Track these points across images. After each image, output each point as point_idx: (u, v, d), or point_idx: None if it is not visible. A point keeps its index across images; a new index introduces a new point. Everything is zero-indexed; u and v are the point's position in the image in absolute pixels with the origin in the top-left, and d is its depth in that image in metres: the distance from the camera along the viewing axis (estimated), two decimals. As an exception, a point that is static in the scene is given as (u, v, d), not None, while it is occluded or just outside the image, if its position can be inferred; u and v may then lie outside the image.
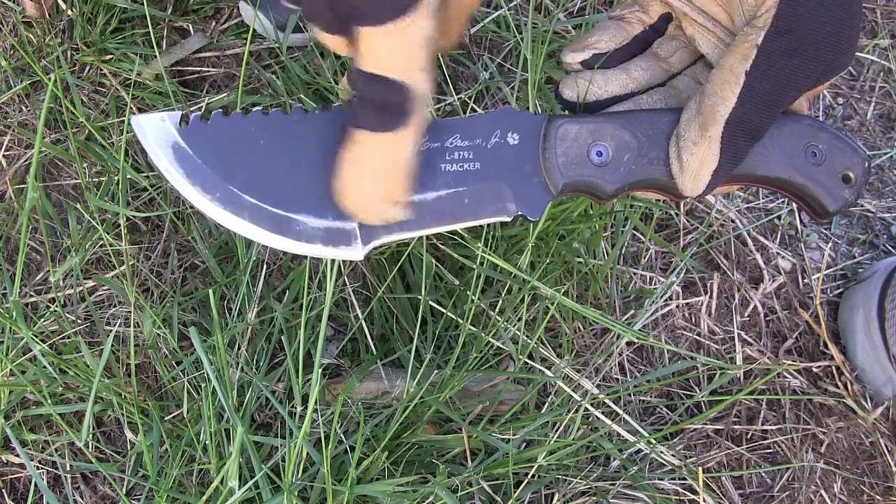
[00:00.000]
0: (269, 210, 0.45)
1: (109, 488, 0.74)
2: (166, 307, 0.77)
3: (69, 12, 0.89)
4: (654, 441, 0.78)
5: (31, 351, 0.67)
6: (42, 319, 0.75)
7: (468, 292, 0.71)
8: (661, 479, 0.77)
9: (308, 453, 0.61)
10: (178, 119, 0.45)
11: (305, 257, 0.80)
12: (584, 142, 0.47)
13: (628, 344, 0.84)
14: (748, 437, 0.83)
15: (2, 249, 0.80)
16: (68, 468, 0.73)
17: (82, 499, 0.73)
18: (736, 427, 0.83)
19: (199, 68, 0.92)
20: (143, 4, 0.87)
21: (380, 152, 0.42)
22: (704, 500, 0.77)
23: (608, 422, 0.72)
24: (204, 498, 0.57)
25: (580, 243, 0.79)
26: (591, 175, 0.47)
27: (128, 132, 0.81)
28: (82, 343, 0.66)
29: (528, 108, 0.69)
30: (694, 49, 0.50)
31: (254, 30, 0.91)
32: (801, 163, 0.46)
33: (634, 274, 0.88)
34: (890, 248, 0.95)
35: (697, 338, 0.86)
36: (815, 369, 0.86)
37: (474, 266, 0.68)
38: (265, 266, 0.76)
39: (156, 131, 0.45)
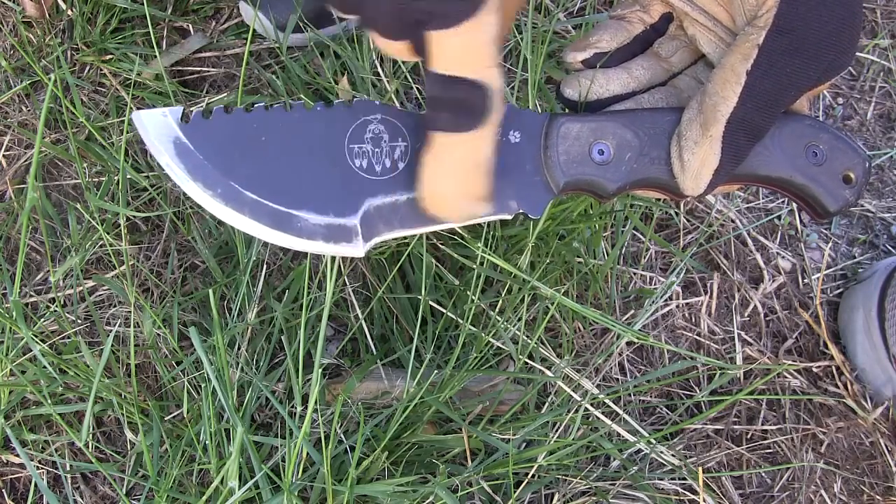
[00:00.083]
0: (270, 206, 0.45)
1: (109, 488, 0.74)
2: (166, 307, 0.77)
3: (69, 12, 0.89)
4: (654, 441, 0.78)
5: (31, 351, 0.67)
6: (42, 319, 0.75)
7: (468, 292, 0.71)
8: (661, 479, 0.77)
9: (308, 453, 0.61)
10: (180, 114, 0.45)
11: (305, 257, 0.80)
12: (585, 140, 0.47)
13: (628, 344, 0.84)
14: (748, 437, 0.83)
15: (2, 249, 0.80)
16: (68, 468, 0.73)
17: (82, 499, 0.73)
18: (736, 427, 0.83)
19: (199, 68, 0.92)
20: (143, 4, 0.87)
21: (461, 152, 0.42)
22: (704, 500, 0.77)
23: (608, 422, 0.72)
24: (204, 498, 0.57)
25: (580, 243, 0.79)
26: (592, 174, 0.47)
27: (128, 132, 0.81)
28: (82, 343, 0.66)
29: (528, 108, 0.69)
30: (695, 49, 0.50)
31: (254, 30, 0.91)
32: (802, 163, 0.46)
33: (634, 274, 0.88)
34: (890, 248, 0.95)
35: (697, 338, 0.86)
36: (815, 369, 0.86)
37: (474, 266, 0.68)
38: (265, 266, 0.76)
39: (157, 127, 0.45)
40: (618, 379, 0.83)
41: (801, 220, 0.94)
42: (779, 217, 0.94)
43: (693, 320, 0.87)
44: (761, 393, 0.84)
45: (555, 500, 0.73)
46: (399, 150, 0.47)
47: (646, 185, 0.48)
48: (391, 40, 0.41)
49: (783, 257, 0.91)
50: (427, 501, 0.62)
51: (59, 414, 0.70)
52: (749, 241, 0.91)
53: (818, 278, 0.90)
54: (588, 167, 0.47)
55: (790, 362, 0.86)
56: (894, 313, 0.83)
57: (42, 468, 0.73)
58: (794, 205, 0.94)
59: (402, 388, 0.72)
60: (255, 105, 0.46)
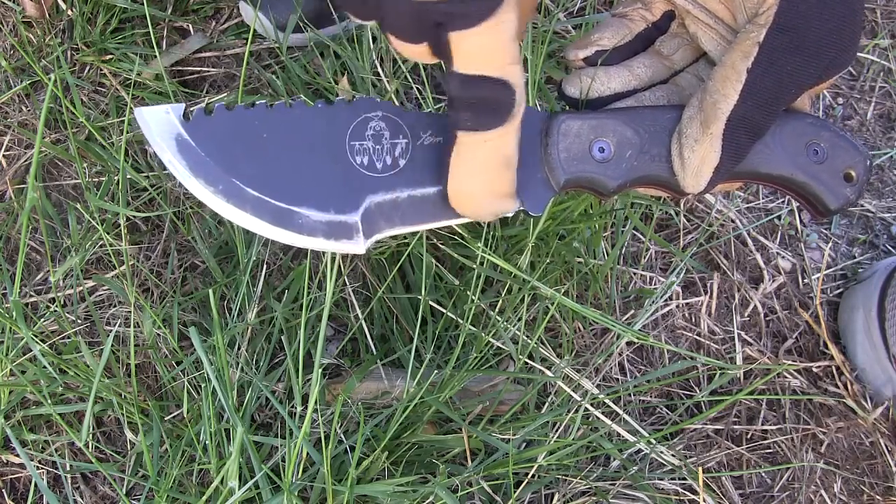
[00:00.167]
0: (272, 203, 0.45)
1: (109, 488, 0.73)
2: (166, 307, 0.77)
3: (69, 12, 0.89)
4: (654, 441, 0.77)
5: (31, 351, 0.67)
6: (42, 319, 0.75)
7: (468, 292, 0.71)
8: (661, 479, 0.77)
9: (308, 453, 0.61)
10: (182, 111, 0.45)
11: (305, 257, 0.80)
12: (586, 138, 0.47)
13: (628, 344, 0.84)
14: (748, 437, 0.83)
15: (2, 249, 0.80)
16: (68, 468, 0.73)
17: (82, 499, 0.73)
18: (736, 427, 0.82)
19: (199, 68, 0.92)
20: (143, 4, 0.87)
21: (488, 150, 0.43)
22: (704, 500, 0.77)
23: (608, 422, 0.72)
24: (204, 498, 0.57)
25: (580, 243, 0.79)
26: (592, 171, 0.47)
27: (128, 132, 0.81)
28: (82, 343, 0.66)
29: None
30: (696, 46, 0.50)
31: (254, 30, 0.91)
32: (803, 161, 0.46)
33: (634, 274, 0.88)
34: (890, 248, 0.95)
35: (697, 338, 0.86)
36: (815, 369, 0.86)
37: (474, 266, 0.68)
38: (265, 266, 0.76)
39: (159, 123, 0.45)
40: (618, 379, 0.83)
41: (801, 220, 0.94)
42: (779, 217, 0.94)
43: (693, 320, 0.87)
44: (761, 393, 0.84)
45: (555, 500, 0.73)
46: (400, 148, 0.47)
47: (646, 183, 0.48)
48: (410, 43, 0.41)
49: (783, 257, 0.91)
50: (427, 501, 0.62)
51: (59, 414, 0.70)
52: (749, 241, 0.91)
53: (818, 278, 0.90)
54: (589, 165, 0.47)
55: (790, 362, 0.86)
56: (894, 313, 0.83)
57: (42, 468, 0.73)
58: (795, 205, 0.94)
59: (402, 388, 0.72)
60: (257, 102, 0.46)
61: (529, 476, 0.70)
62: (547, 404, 0.75)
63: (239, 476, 0.55)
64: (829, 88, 1.03)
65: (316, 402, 0.52)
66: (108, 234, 0.73)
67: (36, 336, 0.69)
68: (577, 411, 0.71)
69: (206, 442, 0.61)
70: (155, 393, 0.76)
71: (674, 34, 0.50)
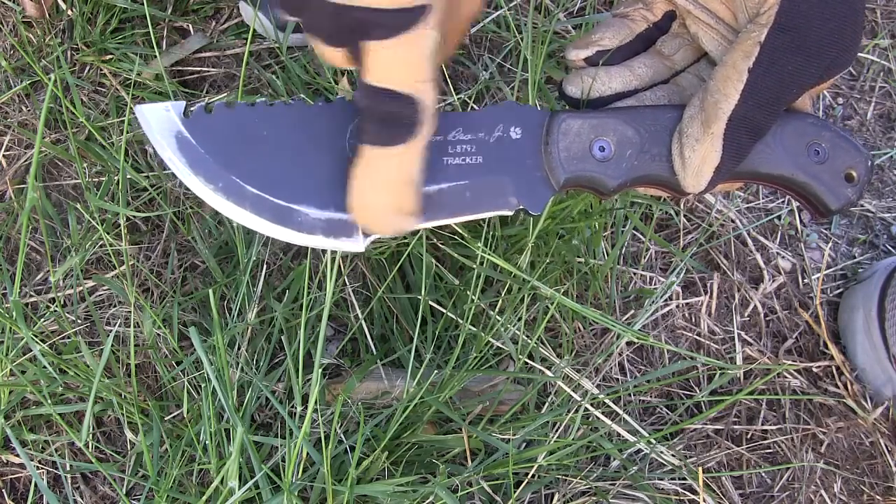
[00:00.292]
0: (271, 200, 0.45)
1: (109, 488, 0.73)
2: (166, 307, 0.77)
3: (69, 12, 0.89)
4: (654, 441, 0.77)
5: (31, 351, 0.67)
6: (42, 319, 0.75)
7: (468, 292, 0.71)
8: (661, 479, 0.77)
9: (308, 453, 0.61)
10: (182, 109, 0.45)
11: (305, 256, 0.80)
12: (586, 137, 0.47)
13: (628, 344, 0.84)
14: (748, 437, 0.83)
15: (2, 249, 0.80)
16: (68, 468, 0.72)
17: (82, 499, 0.73)
18: (736, 427, 0.82)
19: (199, 68, 0.92)
20: (143, 4, 0.87)
21: (391, 166, 0.42)
22: (704, 500, 0.77)
23: (608, 422, 0.72)
24: (204, 498, 0.57)
25: (580, 243, 0.79)
26: (593, 170, 0.47)
27: (128, 132, 0.81)
28: (82, 343, 0.65)
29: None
30: (697, 47, 0.50)
31: (254, 30, 0.91)
32: (804, 161, 0.46)
33: (634, 274, 0.88)
34: (890, 248, 0.95)
35: (697, 338, 0.86)
36: (815, 369, 0.86)
37: (474, 266, 0.68)
38: (265, 266, 0.76)
39: (159, 121, 0.45)
40: (618, 379, 0.83)
41: (801, 220, 0.94)
42: (779, 217, 0.94)
43: (693, 320, 0.87)
44: (761, 393, 0.84)
45: (555, 500, 0.73)
46: None
47: (646, 183, 0.48)
48: (329, 46, 0.41)
49: (783, 257, 0.91)
50: (427, 501, 0.62)
51: (59, 414, 0.70)
52: (749, 241, 0.91)
53: (818, 278, 0.90)
54: (589, 164, 0.47)
55: (790, 362, 0.86)
56: (894, 313, 0.83)
57: (42, 468, 0.73)
58: (795, 205, 0.94)
59: (402, 388, 0.72)
60: (257, 100, 0.46)
61: (529, 476, 0.70)
62: (547, 404, 0.75)
63: (239, 476, 0.55)
64: (829, 88, 1.03)
65: (316, 402, 0.52)
66: (108, 234, 0.73)
67: (36, 336, 0.69)
68: (577, 411, 0.71)
69: (206, 442, 0.61)
70: (155, 393, 0.76)
71: (675, 34, 0.50)
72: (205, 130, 0.45)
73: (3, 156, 0.86)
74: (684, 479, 0.77)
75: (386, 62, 0.39)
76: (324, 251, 0.79)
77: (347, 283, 0.78)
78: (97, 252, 0.81)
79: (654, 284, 0.87)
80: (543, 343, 0.77)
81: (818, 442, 0.83)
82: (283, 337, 0.69)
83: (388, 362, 0.75)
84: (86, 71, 0.90)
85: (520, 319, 0.69)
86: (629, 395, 0.82)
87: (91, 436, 0.74)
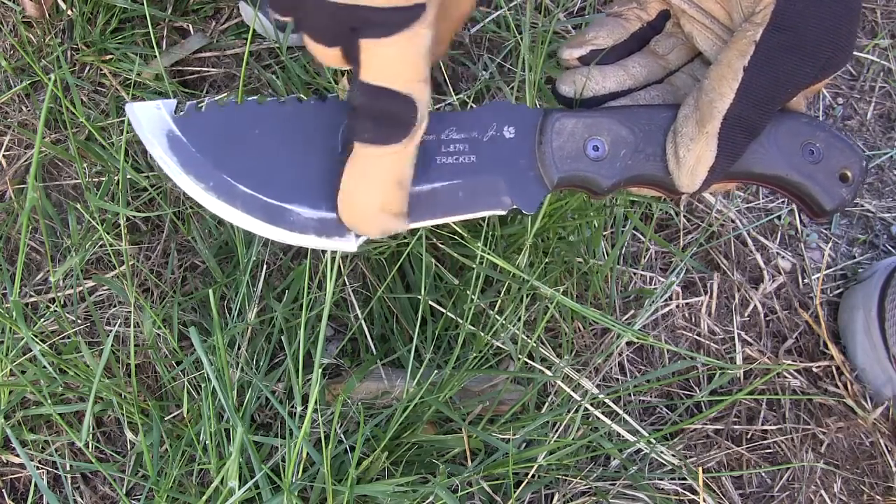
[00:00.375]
0: (263, 199, 0.45)
1: (109, 488, 0.74)
2: (166, 307, 0.77)
3: (69, 12, 0.89)
4: (654, 441, 0.77)
5: (31, 351, 0.67)
6: (42, 319, 0.75)
7: (468, 292, 0.71)
8: (661, 479, 0.77)
9: (308, 453, 0.61)
10: (174, 107, 0.45)
11: (305, 256, 0.80)
12: (580, 136, 0.47)
13: (628, 344, 0.84)
14: (748, 437, 0.82)
15: (2, 249, 0.81)
16: (68, 468, 0.73)
17: (82, 499, 0.73)
18: (736, 427, 0.82)
19: (199, 68, 0.92)
20: (143, 4, 0.87)
21: (384, 165, 0.41)
22: (704, 500, 0.77)
23: (608, 422, 0.72)
24: (204, 498, 0.57)
25: (580, 242, 0.79)
26: (586, 170, 0.47)
27: (128, 132, 0.81)
28: (82, 343, 0.66)
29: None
30: (692, 46, 0.50)
31: (254, 30, 0.91)
32: (799, 161, 0.46)
33: (634, 274, 0.88)
34: (890, 248, 0.95)
35: (697, 338, 0.86)
36: (815, 369, 0.86)
37: (474, 266, 0.68)
38: (265, 266, 0.76)
39: (150, 119, 0.45)
40: (618, 379, 0.83)
41: (801, 220, 0.94)
42: (779, 217, 0.93)
43: (693, 320, 0.87)
44: (761, 393, 0.84)
45: (555, 500, 0.73)
46: None
47: (641, 182, 0.47)
48: (324, 46, 0.41)
49: (783, 257, 0.91)
50: (427, 501, 0.62)
51: (59, 414, 0.70)
52: (749, 241, 0.91)
53: (818, 278, 0.90)
54: (582, 163, 0.47)
55: (790, 362, 0.86)
56: (894, 313, 0.83)
57: (42, 468, 0.73)
58: (794, 204, 0.94)
59: (402, 388, 0.72)
60: (248, 98, 0.46)
61: (529, 476, 0.70)
62: (547, 404, 0.75)
63: (239, 476, 0.55)
64: (829, 88, 1.03)
65: (316, 402, 0.52)
66: (108, 234, 0.73)
67: (36, 336, 0.69)
68: (577, 411, 0.71)
69: (206, 442, 0.61)
70: (155, 393, 0.76)
71: (669, 34, 0.50)
72: (196, 129, 0.45)
73: (3, 156, 0.86)
74: (684, 479, 0.77)
75: (383, 60, 0.39)
76: (323, 251, 0.79)
77: (347, 283, 0.78)
78: (97, 252, 0.81)
79: (654, 284, 0.87)
80: (543, 343, 0.77)
81: (818, 442, 0.83)
82: (283, 337, 0.69)
83: (388, 362, 0.75)
84: (86, 71, 0.90)
85: (519, 319, 0.69)
86: (629, 394, 0.82)
87: (91, 436, 0.74)
